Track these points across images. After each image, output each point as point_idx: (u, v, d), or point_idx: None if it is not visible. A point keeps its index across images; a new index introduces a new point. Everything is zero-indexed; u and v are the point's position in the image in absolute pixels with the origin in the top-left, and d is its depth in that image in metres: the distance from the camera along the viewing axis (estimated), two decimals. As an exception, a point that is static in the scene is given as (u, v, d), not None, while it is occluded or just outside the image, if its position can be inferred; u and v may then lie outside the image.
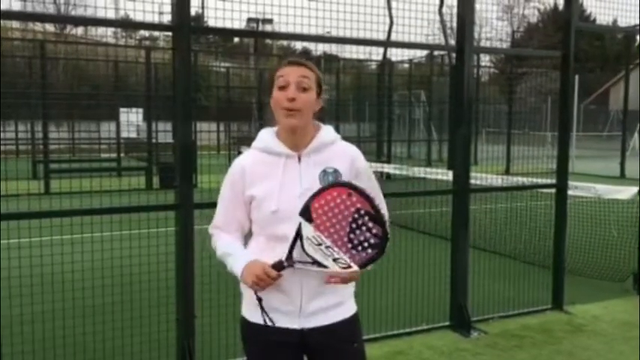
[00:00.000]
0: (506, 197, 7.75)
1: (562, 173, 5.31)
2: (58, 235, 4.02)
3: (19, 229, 3.78)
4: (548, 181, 5.59)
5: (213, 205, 4.24)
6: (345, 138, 2.17)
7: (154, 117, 15.17)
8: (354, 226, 1.86)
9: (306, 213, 1.89)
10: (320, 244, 1.85)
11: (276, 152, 2.04)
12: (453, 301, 4.83)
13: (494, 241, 7.29)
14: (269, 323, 2.01)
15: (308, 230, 1.87)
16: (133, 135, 17.02)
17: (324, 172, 2.01)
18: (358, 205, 1.87)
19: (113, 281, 4.09)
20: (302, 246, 1.87)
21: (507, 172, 13.62)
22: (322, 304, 2.01)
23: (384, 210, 1.97)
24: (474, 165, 11.62)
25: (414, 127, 20.94)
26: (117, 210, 3.92)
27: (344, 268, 1.84)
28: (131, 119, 16.34)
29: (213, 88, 23.67)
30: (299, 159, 2.04)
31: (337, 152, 2.07)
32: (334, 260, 1.84)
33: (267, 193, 2.00)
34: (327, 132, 2.10)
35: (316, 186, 1.98)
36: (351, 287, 2.10)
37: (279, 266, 1.91)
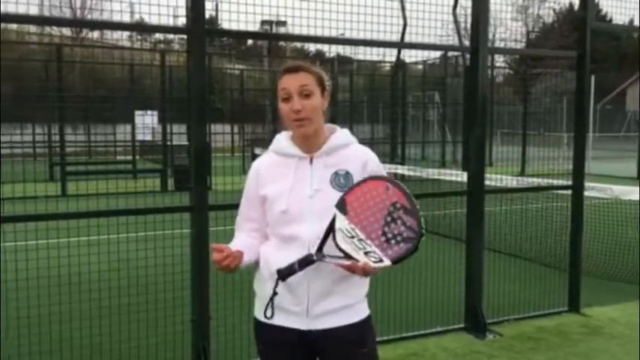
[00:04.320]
0: (521, 198, 7.70)
1: (578, 174, 5.26)
2: (74, 236, 4.07)
3: (36, 230, 3.83)
4: (564, 182, 5.55)
5: (227, 207, 4.27)
6: (359, 140, 2.17)
7: (169, 119, 15.27)
8: (389, 219, 1.84)
9: (341, 205, 1.88)
10: (353, 237, 1.83)
11: (289, 154, 2.07)
12: (467, 303, 4.81)
13: (510, 242, 7.25)
14: (269, 319, 2.00)
15: (342, 223, 1.85)
16: (148, 137, 17.14)
17: (336, 174, 2.02)
18: (394, 199, 1.85)
19: (129, 282, 4.12)
20: (334, 238, 1.85)
21: (523, 173, 13.51)
22: (330, 306, 2.00)
23: None
24: (489, 166, 11.56)
25: (428, 128, 20.87)
26: (132, 212, 3.95)
27: (375, 262, 1.80)
28: (146, 122, 16.45)
29: (227, 90, 23.76)
30: (311, 161, 2.05)
31: (350, 155, 2.06)
32: (366, 253, 1.80)
33: (278, 194, 2.03)
34: (341, 135, 2.10)
35: (326, 188, 1.98)
36: (363, 290, 2.07)
37: (308, 260, 1.88)
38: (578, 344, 4.52)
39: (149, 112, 16.77)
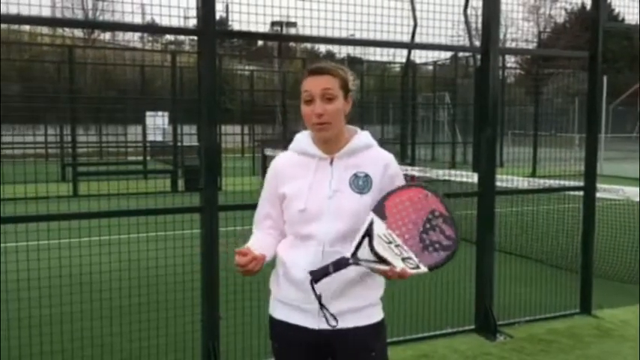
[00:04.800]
0: (532, 200, 7.66)
1: (590, 175, 5.22)
2: (85, 236, 4.09)
3: (48, 230, 3.86)
4: (576, 183, 5.51)
5: (237, 208, 4.28)
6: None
7: (179, 120, 15.34)
8: (427, 226, 1.86)
9: (379, 210, 1.89)
10: (390, 243, 1.84)
11: (309, 154, 2.08)
12: (478, 305, 4.79)
13: (521, 244, 7.21)
14: (290, 320, 2.02)
15: (380, 228, 1.86)
16: (159, 138, 17.23)
17: (355, 176, 2.02)
18: (433, 207, 1.88)
19: (139, 282, 4.14)
20: (370, 243, 1.86)
21: (534, 174, 13.44)
22: (342, 308, 1.99)
23: None
24: (500, 167, 11.52)
25: (438, 129, 20.82)
26: (143, 212, 3.97)
27: (412, 268, 1.81)
28: (157, 123, 16.55)
29: (238, 91, 23.83)
30: (331, 162, 2.05)
31: (371, 158, 2.06)
32: (403, 260, 1.82)
33: (297, 192, 2.04)
34: (363, 137, 2.09)
35: (345, 189, 1.99)
36: (377, 293, 2.07)
37: (343, 263, 1.88)
38: (589, 346, 4.48)
39: (160, 113, 16.87)
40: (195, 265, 3.93)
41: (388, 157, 2.09)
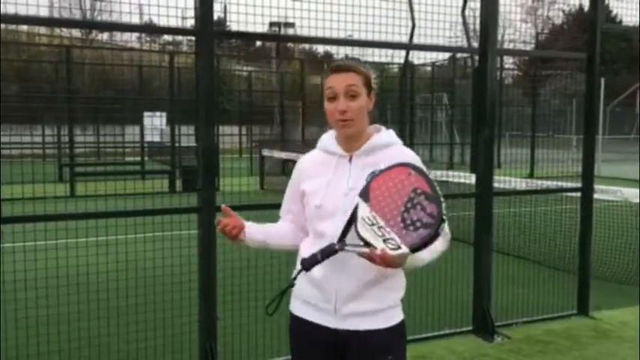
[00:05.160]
0: (530, 201, 7.67)
1: (587, 176, 5.23)
2: (82, 237, 4.08)
3: (45, 231, 3.85)
4: (573, 184, 5.52)
5: (235, 208, 4.26)
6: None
7: (177, 121, 15.33)
8: (409, 205, 1.79)
9: (364, 193, 1.86)
10: (373, 224, 1.80)
11: (331, 152, 2.09)
12: (475, 306, 4.79)
13: (518, 245, 7.21)
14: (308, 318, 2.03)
15: (364, 210, 1.83)
16: (157, 139, 17.21)
17: (373, 173, 1.99)
18: (416, 185, 1.82)
19: (137, 283, 4.13)
20: (355, 227, 1.83)
21: (531, 175, 13.46)
22: (358, 308, 1.99)
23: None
24: (497, 168, 11.52)
25: (436, 130, 20.84)
26: (140, 212, 3.97)
27: (393, 249, 1.75)
28: (155, 123, 16.54)
29: (236, 91, 23.82)
30: (350, 159, 2.06)
31: (390, 156, 2.02)
32: (384, 241, 1.76)
33: (315, 189, 2.06)
34: (384, 135, 2.08)
35: (362, 186, 1.96)
36: (395, 295, 2.04)
37: (330, 250, 1.86)
38: (587, 348, 4.48)
39: (157, 113, 16.86)
40: (193, 265, 3.93)
41: (409, 156, 2.05)
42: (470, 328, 4.76)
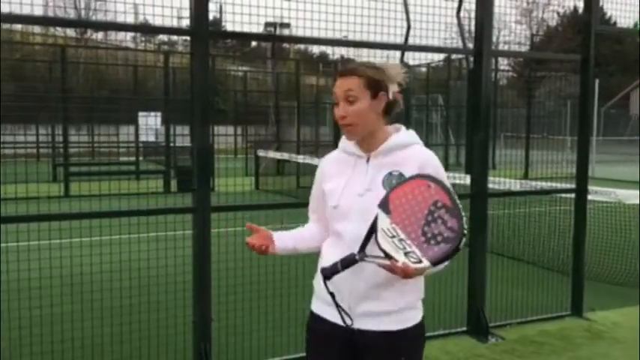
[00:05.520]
0: (524, 202, 7.68)
1: (582, 178, 5.25)
2: (77, 237, 4.07)
3: (39, 231, 3.83)
4: (568, 185, 5.53)
5: (230, 209, 4.27)
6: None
7: (172, 121, 15.30)
8: (429, 218, 1.78)
9: (384, 204, 1.86)
10: (394, 237, 1.79)
11: (350, 152, 2.10)
12: (470, 307, 4.80)
13: (513, 246, 7.23)
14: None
15: (384, 222, 1.83)
16: (152, 139, 17.17)
17: (390, 174, 2.00)
18: (436, 198, 1.80)
19: (131, 284, 4.12)
20: (376, 238, 1.83)
21: (526, 176, 13.50)
22: (372, 308, 1.99)
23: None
24: (492, 169, 11.55)
25: (432, 131, 20.86)
26: (135, 213, 3.96)
27: (415, 263, 1.74)
28: (150, 123, 16.49)
29: (231, 92, 23.80)
30: (367, 160, 2.06)
31: (408, 156, 2.02)
32: (405, 254, 1.76)
33: (333, 189, 2.08)
34: (402, 136, 2.07)
35: (377, 188, 1.97)
36: (409, 298, 2.03)
37: (350, 260, 1.87)
38: (580, 348, 4.50)
39: (152, 113, 16.81)
40: (187, 266, 3.92)
41: (426, 156, 2.03)
42: (464, 328, 4.76)
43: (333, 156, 2.19)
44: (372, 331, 2.00)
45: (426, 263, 1.74)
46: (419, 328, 2.07)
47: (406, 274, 1.78)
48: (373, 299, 1.99)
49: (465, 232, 1.76)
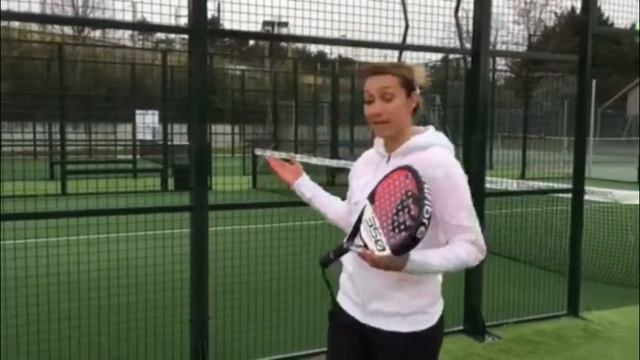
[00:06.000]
0: (521, 202, 7.70)
1: (578, 178, 5.26)
2: (74, 235, 4.07)
3: (36, 228, 3.83)
4: (564, 185, 5.54)
5: (227, 207, 4.26)
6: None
7: (170, 119, 15.28)
8: (399, 207, 1.80)
9: (371, 196, 1.91)
10: (371, 226, 1.84)
11: (377, 152, 2.15)
12: (467, 306, 4.81)
13: (510, 245, 7.24)
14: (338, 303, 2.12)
15: (368, 212, 1.88)
16: (149, 137, 17.15)
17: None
18: (409, 187, 1.82)
19: (128, 282, 4.12)
20: (359, 229, 1.89)
21: (523, 176, 13.52)
22: (382, 308, 2.01)
23: (468, 228, 2.00)
24: (489, 169, 11.56)
25: (429, 130, 20.82)
26: (132, 211, 3.95)
27: (380, 250, 1.77)
28: (147, 121, 16.47)
29: (229, 90, 23.77)
30: (388, 160, 2.08)
31: (424, 158, 2.00)
32: (375, 242, 1.80)
33: (356, 186, 2.14)
34: (423, 137, 2.06)
35: None
36: (421, 301, 2.03)
37: (340, 249, 1.91)
38: (577, 348, 4.51)
39: (150, 111, 16.79)
40: (185, 264, 3.92)
41: (441, 159, 2.00)
42: (461, 327, 4.78)
43: (365, 154, 2.25)
44: (382, 330, 2.02)
45: (387, 251, 1.75)
46: (431, 332, 2.05)
47: (374, 261, 1.79)
48: (384, 299, 2.01)
49: (424, 220, 1.73)
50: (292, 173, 2.42)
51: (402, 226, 1.76)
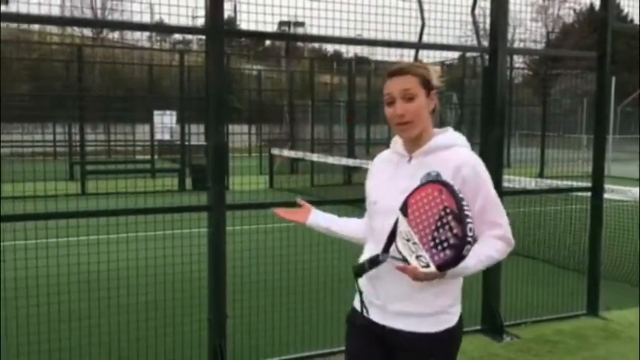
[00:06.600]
0: (540, 200, 7.64)
1: (597, 176, 5.21)
2: (93, 234, 4.12)
3: (57, 228, 3.88)
4: (584, 184, 5.49)
5: (244, 207, 4.28)
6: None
7: (187, 119, 15.39)
8: (439, 224, 1.83)
9: (404, 208, 1.91)
10: (409, 240, 1.86)
11: (396, 152, 2.14)
12: (485, 305, 4.78)
13: (528, 244, 7.19)
14: (364, 313, 2.10)
15: (402, 225, 1.89)
16: (167, 137, 17.28)
17: (428, 174, 2.00)
18: (446, 204, 1.83)
19: (147, 281, 4.16)
20: (395, 241, 1.90)
21: (541, 174, 13.40)
22: (403, 309, 2.01)
23: (499, 224, 2.04)
24: (507, 167, 11.48)
25: (446, 129, 20.72)
26: (151, 210, 3.99)
27: (424, 267, 1.82)
28: (165, 122, 16.59)
29: (245, 90, 23.86)
30: (409, 160, 2.08)
31: (447, 157, 2.02)
32: (417, 257, 1.84)
33: (375, 186, 2.14)
34: (445, 137, 2.07)
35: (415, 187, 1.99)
36: (443, 301, 2.04)
37: (375, 260, 1.94)
38: (596, 348, 4.47)
39: (168, 112, 16.91)
40: (203, 263, 3.95)
41: (463, 159, 2.01)
42: (479, 327, 4.75)
43: (382, 155, 2.24)
44: (402, 330, 2.01)
45: (432, 268, 1.81)
46: (451, 332, 2.06)
47: (415, 276, 1.85)
48: (407, 300, 2.00)
49: (470, 239, 1.78)
50: (303, 213, 2.37)
51: (445, 244, 1.81)
